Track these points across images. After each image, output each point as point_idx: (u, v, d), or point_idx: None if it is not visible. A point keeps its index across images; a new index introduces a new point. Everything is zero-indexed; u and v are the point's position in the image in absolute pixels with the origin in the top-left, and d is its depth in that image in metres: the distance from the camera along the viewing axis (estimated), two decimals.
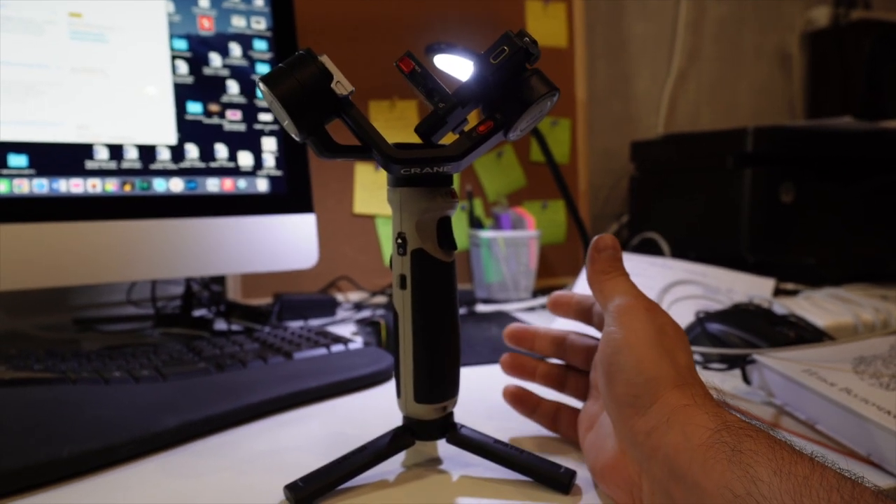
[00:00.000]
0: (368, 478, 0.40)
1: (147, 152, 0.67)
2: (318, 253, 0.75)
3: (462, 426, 0.42)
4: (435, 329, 0.39)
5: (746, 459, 0.27)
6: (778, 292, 0.83)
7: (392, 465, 0.41)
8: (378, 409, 0.52)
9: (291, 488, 0.37)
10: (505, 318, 0.86)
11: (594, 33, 1.31)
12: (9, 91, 0.61)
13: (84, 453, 0.40)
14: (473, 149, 0.37)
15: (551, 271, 1.16)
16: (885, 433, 0.41)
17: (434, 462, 0.42)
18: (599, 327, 0.43)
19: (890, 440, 0.41)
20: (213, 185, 0.70)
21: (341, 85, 0.36)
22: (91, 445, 0.41)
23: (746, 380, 0.54)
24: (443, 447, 0.43)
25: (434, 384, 0.40)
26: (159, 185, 0.67)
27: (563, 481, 0.38)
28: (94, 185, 0.64)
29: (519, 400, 0.46)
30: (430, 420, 0.40)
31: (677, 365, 0.34)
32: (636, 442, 0.33)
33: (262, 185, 0.73)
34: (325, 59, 0.36)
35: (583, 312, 0.45)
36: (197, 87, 0.69)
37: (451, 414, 0.41)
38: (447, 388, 0.40)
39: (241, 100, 0.71)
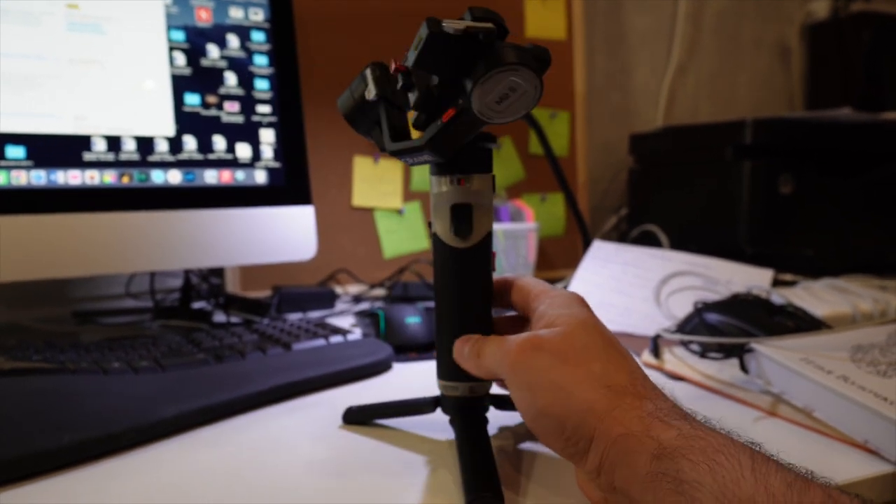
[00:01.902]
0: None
1: (145, 144, 0.66)
2: (317, 245, 0.75)
3: (472, 415, 0.42)
4: (444, 311, 0.41)
5: (691, 492, 0.27)
6: (776, 283, 0.83)
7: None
8: (377, 399, 0.52)
9: (346, 411, 0.47)
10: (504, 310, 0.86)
11: (593, 26, 1.31)
12: (6, 82, 0.60)
13: (83, 442, 0.41)
14: (439, 137, 0.36)
15: (550, 264, 1.16)
16: (882, 420, 0.41)
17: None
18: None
19: (886, 427, 0.41)
20: (211, 176, 0.70)
21: (369, 91, 0.40)
22: (90, 434, 0.41)
23: (744, 368, 0.54)
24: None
25: (440, 362, 0.42)
26: (157, 177, 0.67)
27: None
28: (92, 177, 0.64)
29: None
30: (446, 396, 0.42)
31: (598, 386, 0.32)
32: (591, 478, 0.33)
33: (260, 177, 0.73)
34: (366, 71, 0.40)
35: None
36: (195, 79, 0.69)
37: (469, 399, 0.41)
38: (447, 370, 0.41)
39: (239, 91, 0.71)
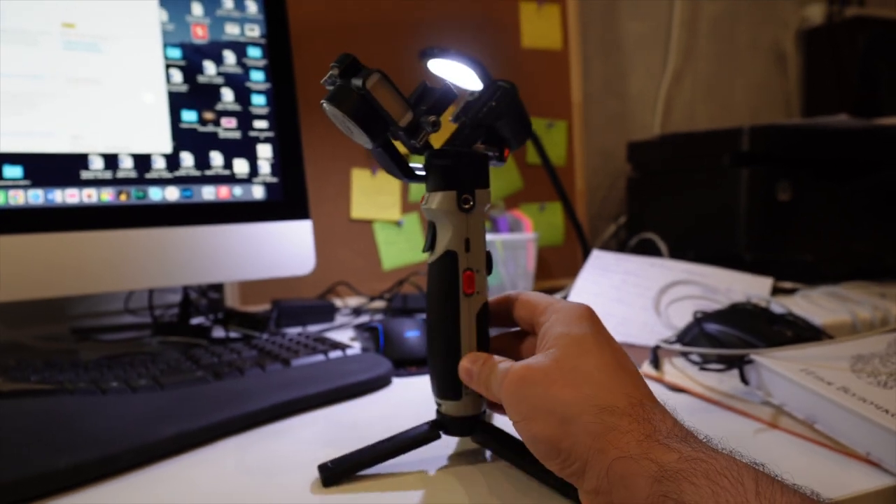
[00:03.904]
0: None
1: (142, 161, 0.67)
2: (316, 258, 0.75)
3: (493, 427, 0.42)
4: (427, 327, 0.42)
5: None
6: (776, 291, 0.83)
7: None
8: (376, 415, 0.52)
9: (321, 468, 0.40)
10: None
11: (588, 34, 1.31)
12: (4, 102, 0.61)
13: (81, 464, 0.40)
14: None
15: (549, 273, 1.16)
16: (883, 432, 0.41)
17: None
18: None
19: (888, 439, 0.41)
20: (208, 192, 0.70)
21: None
22: (88, 456, 0.41)
23: (744, 380, 0.54)
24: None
25: (434, 381, 0.42)
26: (155, 194, 0.67)
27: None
28: (89, 195, 0.64)
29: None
30: (454, 416, 0.42)
31: (591, 410, 0.32)
32: (590, 499, 0.32)
33: (257, 193, 0.73)
34: None
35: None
36: (191, 96, 0.69)
37: (480, 414, 0.42)
38: (438, 386, 0.42)
39: (236, 107, 0.71)
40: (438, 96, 0.40)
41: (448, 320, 0.41)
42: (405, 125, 0.39)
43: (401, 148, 0.41)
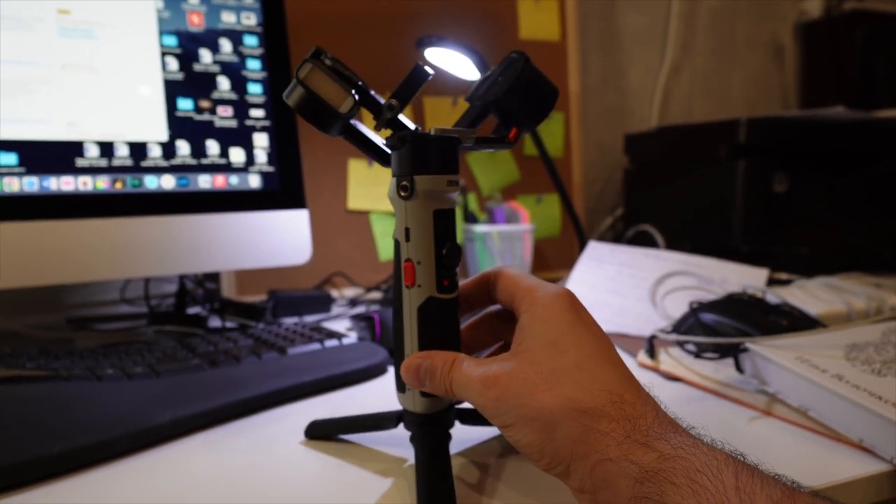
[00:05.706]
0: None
1: (138, 149, 0.66)
2: (313, 249, 0.75)
3: (432, 433, 0.39)
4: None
5: None
6: (771, 282, 0.83)
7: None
8: (371, 403, 0.52)
9: (308, 426, 0.45)
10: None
11: (587, 27, 1.31)
12: None
13: (76, 449, 0.40)
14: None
15: (546, 265, 1.16)
16: (877, 418, 0.42)
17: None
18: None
19: (881, 425, 0.41)
20: (204, 181, 0.70)
21: None
22: (83, 441, 0.41)
23: (739, 368, 0.54)
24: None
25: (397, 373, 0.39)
26: (151, 182, 0.67)
27: None
28: (84, 183, 0.64)
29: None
30: (405, 408, 0.39)
31: (570, 413, 0.31)
32: (577, 496, 0.32)
33: (254, 182, 0.72)
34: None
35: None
36: (187, 84, 0.69)
37: (428, 415, 0.38)
38: (396, 380, 0.39)
39: (232, 96, 0.71)
40: (406, 77, 0.38)
41: (396, 310, 0.39)
42: (346, 111, 0.37)
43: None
